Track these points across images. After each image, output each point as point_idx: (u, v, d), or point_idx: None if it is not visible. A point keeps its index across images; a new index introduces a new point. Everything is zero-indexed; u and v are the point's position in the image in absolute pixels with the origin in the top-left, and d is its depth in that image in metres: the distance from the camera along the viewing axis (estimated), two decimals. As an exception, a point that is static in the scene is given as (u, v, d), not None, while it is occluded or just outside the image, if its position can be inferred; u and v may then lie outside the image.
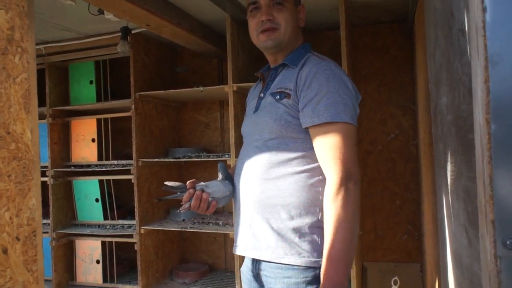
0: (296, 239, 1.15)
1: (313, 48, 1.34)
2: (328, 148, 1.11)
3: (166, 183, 1.26)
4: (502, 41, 0.52)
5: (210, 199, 1.25)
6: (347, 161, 1.09)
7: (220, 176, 1.33)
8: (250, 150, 1.27)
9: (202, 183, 1.28)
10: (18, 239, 0.76)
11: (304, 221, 1.15)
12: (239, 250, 1.28)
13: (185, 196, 1.23)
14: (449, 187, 1.14)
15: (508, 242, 0.51)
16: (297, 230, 1.15)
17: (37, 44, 2.79)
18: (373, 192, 2.84)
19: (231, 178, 1.34)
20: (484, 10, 0.53)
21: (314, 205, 1.15)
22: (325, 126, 1.11)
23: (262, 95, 1.31)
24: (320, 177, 1.15)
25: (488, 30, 0.53)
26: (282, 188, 1.17)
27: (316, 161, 1.16)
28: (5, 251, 0.73)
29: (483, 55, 0.53)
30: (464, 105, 0.74)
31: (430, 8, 1.44)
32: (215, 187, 1.27)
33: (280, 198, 1.17)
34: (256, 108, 1.30)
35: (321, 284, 1.07)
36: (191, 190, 1.24)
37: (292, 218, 1.16)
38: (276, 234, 1.17)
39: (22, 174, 0.82)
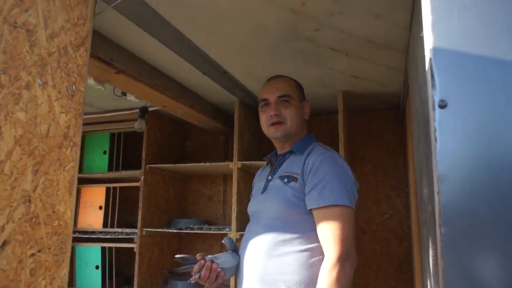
0: None
1: (314, 130, 1.53)
2: (330, 228, 1.24)
3: (177, 256, 1.37)
4: (447, 164, 0.69)
5: (219, 269, 1.33)
6: (346, 241, 1.22)
7: (227, 248, 1.44)
8: (256, 228, 1.39)
9: (211, 255, 1.37)
10: (50, 305, 0.88)
11: None
12: None
13: (196, 267, 1.32)
14: (431, 272, 1.25)
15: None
16: None
17: (59, 116, 3.03)
18: (368, 272, 2.89)
19: (237, 251, 1.45)
20: (435, 140, 0.71)
21: (313, 283, 1.23)
22: (329, 208, 1.25)
23: (270, 177, 1.46)
24: (320, 256, 1.25)
25: (438, 155, 0.70)
26: (284, 265, 1.27)
27: (317, 241, 1.27)
28: (38, 316, 0.85)
29: (436, 172, 0.70)
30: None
31: (414, 107, 1.65)
32: (224, 258, 1.37)
33: (281, 274, 1.27)
34: (264, 189, 1.44)
35: None
36: (202, 261, 1.33)
37: None
38: None
39: (59, 247, 0.97)
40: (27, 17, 0.85)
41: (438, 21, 0.74)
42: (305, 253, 1.28)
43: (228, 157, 3.16)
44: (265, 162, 1.61)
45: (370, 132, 3.07)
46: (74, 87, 1.00)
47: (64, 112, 0.92)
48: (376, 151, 3.03)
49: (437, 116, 0.71)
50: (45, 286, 0.88)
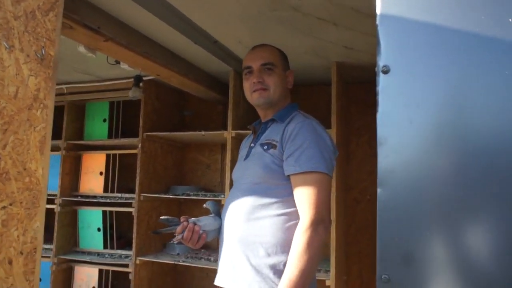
0: (271, 275, 1.29)
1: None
2: (305, 193, 1.29)
3: (161, 217, 1.44)
4: (387, 127, 0.72)
5: (201, 231, 1.41)
6: (320, 206, 1.27)
7: (211, 212, 1.50)
8: (237, 193, 1.44)
9: (194, 218, 1.44)
10: (21, 253, 0.95)
11: (279, 259, 1.30)
12: (219, 281, 1.42)
13: (179, 228, 1.39)
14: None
15: (383, 277, 0.68)
16: (273, 267, 1.29)
17: (59, 84, 3.10)
18: (361, 240, 2.96)
19: (219, 215, 1.52)
20: (377, 104, 0.74)
21: (289, 245, 1.28)
22: (305, 174, 1.30)
23: (252, 145, 1.50)
24: (296, 221, 1.31)
25: (379, 119, 0.73)
26: (262, 228, 1.34)
27: (294, 206, 1.33)
28: (10, 262, 0.93)
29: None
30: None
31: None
32: (206, 220, 1.44)
33: (259, 237, 1.33)
34: (246, 156, 1.49)
35: None
36: (184, 223, 1.40)
37: (269, 255, 1.31)
38: (253, 269, 1.31)
39: (31, 202, 1.05)
40: (-8, -18, 0.88)
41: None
42: (282, 217, 1.33)
43: (226, 127, 3.20)
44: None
45: (367, 103, 3.06)
46: (43, 51, 1.04)
47: (33, 75, 0.96)
48: (372, 122, 3.01)
49: (380, 81, 0.73)
50: (17, 236, 0.95)
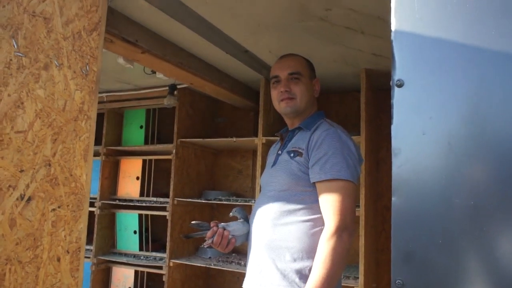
0: (297, 279, 1.32)
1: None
2: (330, 200, 1.32)
3: (193, 222, 1.51)
4: (401, 139, 0.75)
5: (230, 236, 1.46)
6: (345, 213, 1.29)
7: (239, 218, 1.55)
8: (264, 199, 1.49)
9: (224, 223, 1.50)
10: (68, 252, 1.05)
11: (305, 264, 1.33)
12: (247, 285, 1.47)
13: (209, 233, 1.45)
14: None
15: (397, 282, 0.71)
16: (298, 272, 1.33)
17: (100, 92, 3.27)
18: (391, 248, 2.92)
19: (248, 220, 1.57)
20: (392, 117, 0.77)
21: (314, 251, 1.31)
22: (330, 182, 1.33)
23: (280, 152, 1.54)
24: (322, 227, 1.34)
25: (393, 130, 0.77)
26: (288, 233, 1.37)
27: (319, 213, 1.36)
28: (58, 260, 1.02)
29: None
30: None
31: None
32: (235, 226, 1.49)
33: (285, 242, 1.37)
34: (274, 163, 1.54)
35: None
36: (214, 228, 1.46)
37: (294, 260, 1.34)
38: (279, 273, 1.35)
39: (76, 205, 1.14)
40: (44, 7, 0.99)
41: (400, 6, 0.79)
42: (308, 223, 1.36)
43: (256, 133, 3.27)
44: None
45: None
46: (87, 67, 1.14)
47: (78, 90, 1.06)
48: (403, 129, 2.99)
49: (394, 94, 0.77)
50: (64, 236, 1.04)
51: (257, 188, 2.70)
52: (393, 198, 0.72)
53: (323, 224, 1.33)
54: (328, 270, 1.24)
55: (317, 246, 1.31)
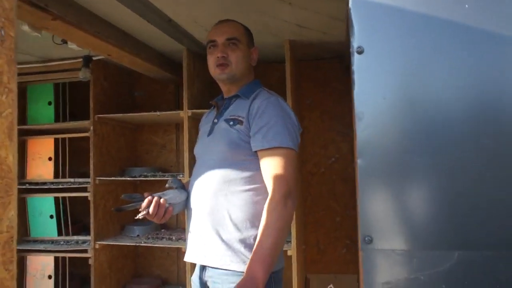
0: (242, 249, 1.33)
1: (263, 78, 1.58)
2: (273, 168, 1.32)
3: (124, 194, 1.42)
4: (363, 103, 0.79)
5: (167, 205, 1.39)
6: (288, 180, 1.31)
7: (175, 188, 1.48)
8: (204, 169, 1.45)
9: (159, 192, 1.42)
10: (-1, 243, 0.94)
11: (249, 233, 1.34)
12: (190, 257, 1.45)
13: (145, 203, 1.36)
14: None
15: (366, 239, 0.76)
16: (243, 241, 1.34)
17: (-2, 65, 2.88)
18: (316, 210, 3.12)
19: (185, 188, 1.52)
20: (353, 82, 0.80)
21: (258, 219, 1.32)
22: (273, 150, 1.33)
23: (216, 120, 1.51)
24: (264, 195, 1.34)
25: (355, 96, 0.80)
26: (231, 203, 1.37)
27: (262, 181, 1.36)
28: (-12, 253, 0.91)
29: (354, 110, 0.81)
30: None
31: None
32: (172, 194, 1.44)
33: (229, 212, 1.36)
34: (210, 132, 1.50)
35: (243, 276, 1.24)
36: (149, 197, 1.38)
37: (239, 230, 1.35)
38: (224, 244, 1.35)
39: (4, 190, 1.02)
40: None
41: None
42: (250, 192, 1.37)
43: (179, 106, 3.18)
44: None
45: (318, 80, 3.17)
46: (3, 32, 0.99)
47: (-5, 59, 0.92)
48: (323, 98, 3.15)
49: (355, 61, 0.80)
50: (-8, 226, 0.92)
51: (186, 162, 2.65)
52: (358, 160, 0.76)
53: (265, 193, 1.34)
54: (275, 238, 1.26)
55: (260, 214, 1.32)
